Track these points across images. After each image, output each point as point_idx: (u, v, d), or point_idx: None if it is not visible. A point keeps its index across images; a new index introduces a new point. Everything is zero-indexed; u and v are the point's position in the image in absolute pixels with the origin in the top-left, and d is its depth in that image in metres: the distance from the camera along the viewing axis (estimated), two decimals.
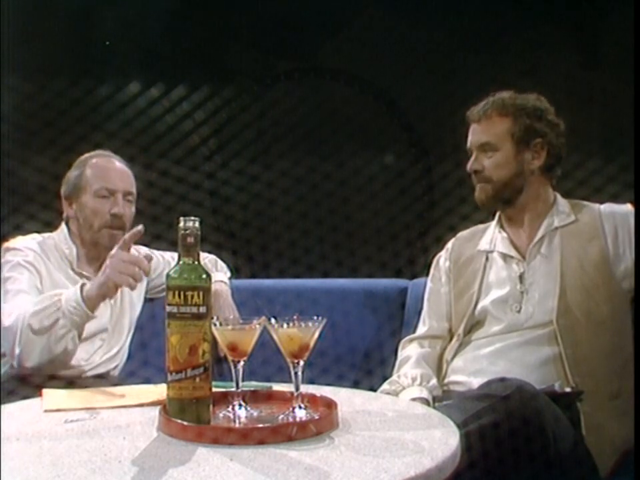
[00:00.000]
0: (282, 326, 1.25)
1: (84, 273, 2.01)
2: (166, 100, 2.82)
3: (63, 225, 2.05)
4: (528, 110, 1.83)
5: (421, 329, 1.95)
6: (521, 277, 1.80)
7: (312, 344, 1.25)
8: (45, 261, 1.96)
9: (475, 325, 1.85)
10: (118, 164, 2.06)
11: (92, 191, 1.99)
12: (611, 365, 1.68)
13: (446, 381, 1.81)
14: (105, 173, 2.02)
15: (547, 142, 1.83)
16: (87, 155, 2.07)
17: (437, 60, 2.72)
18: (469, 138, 1.89)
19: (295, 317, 1.25)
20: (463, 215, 2.31)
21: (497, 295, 1.82)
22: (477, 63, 2.65)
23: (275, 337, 1.25)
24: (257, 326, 1.26)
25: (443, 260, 2.00)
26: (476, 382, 1.67)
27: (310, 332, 1.24)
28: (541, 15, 2.62)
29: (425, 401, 1.69)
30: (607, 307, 1.72)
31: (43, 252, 1.97)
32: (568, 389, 1.63)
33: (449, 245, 2.02)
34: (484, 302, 1.83)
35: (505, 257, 1.86)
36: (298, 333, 1.23)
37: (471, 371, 1.76)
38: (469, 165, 1.87)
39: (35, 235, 2.03)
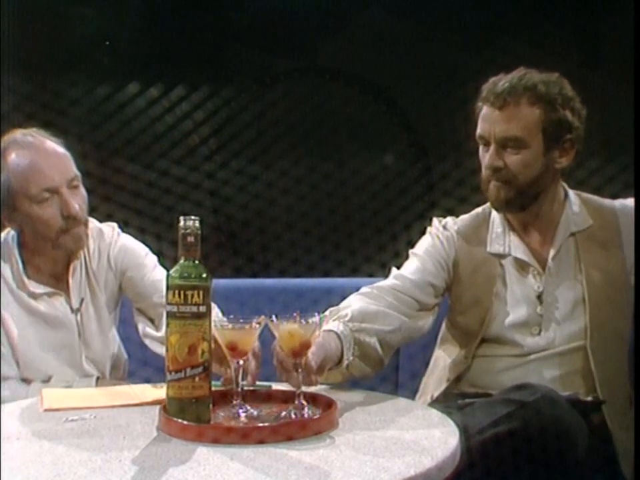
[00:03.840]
0: (283, 322, 1.25)
1: (37, 291, 1.66)
2: (165, 100, 2.82)
3: (11, 231, 1.69)
4: (562, 99, 1.56)
5: (405, 278, 1.63)
6: (540, 297, 1.63)
7: (313, 341, 1.25)
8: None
9: (487, 341, 1.67)
10: (45, 149, 1.62)
11: (28, 197, 1.59)
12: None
13: (460, 390, 1.68)
14: (35, 170, 1.59)
15: (577, 138, 1.59)
16: None
17: (437, 60, 2.72)
18: (484, 125, 1.58)
19: (295, 314, 1.25)
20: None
21: (514, 318, 1.64)
22: (476, 63, 2.64)
23: (276, 334, 1.25)
24: (257, 325, 1.26)
25: (448, 241, 1.70)
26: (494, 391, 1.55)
27: (311, 329, 1.24)
28: (540, 14, 2.62)
29: (335, 334, 1.43)
30: (629, 319, 1.57)
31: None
32: (590, 398, 1.57)
33: (453, 232, 1.71)
34: (497, 322, 1.64)
35: (521, 265, 1.65)
36: (299, 330, 1.23)
37: (486, 382, 1.64)
38: (488, 161, 1.57)
39: None
